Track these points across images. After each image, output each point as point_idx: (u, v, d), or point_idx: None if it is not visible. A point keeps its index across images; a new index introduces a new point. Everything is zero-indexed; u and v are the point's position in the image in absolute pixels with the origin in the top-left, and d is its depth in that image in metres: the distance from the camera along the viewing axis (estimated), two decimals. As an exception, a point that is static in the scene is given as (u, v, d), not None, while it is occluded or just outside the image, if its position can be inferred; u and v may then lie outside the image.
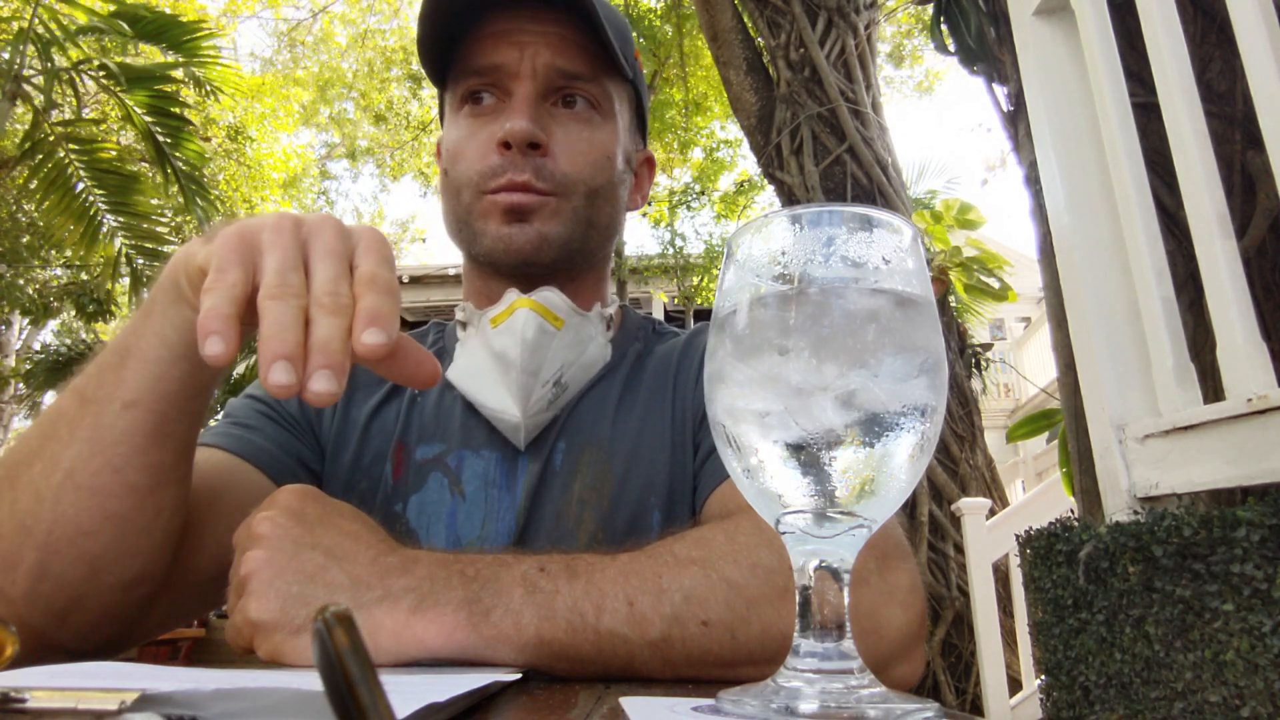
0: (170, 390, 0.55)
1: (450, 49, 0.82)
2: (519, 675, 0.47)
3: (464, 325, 0.84)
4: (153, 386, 0.54)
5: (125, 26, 5.01)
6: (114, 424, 0.54)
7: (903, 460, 0.35)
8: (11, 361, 11.47)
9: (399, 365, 0.49)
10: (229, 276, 0.45)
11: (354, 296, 0.46)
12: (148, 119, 5.35)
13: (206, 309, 0.44)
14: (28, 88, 5.06)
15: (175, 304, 0.53)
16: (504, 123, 0.78)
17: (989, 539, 3.16)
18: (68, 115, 5.62)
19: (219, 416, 0.80)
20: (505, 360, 0.75)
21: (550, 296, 0.78)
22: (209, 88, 5.71)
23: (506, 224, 0.79)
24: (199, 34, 5.44)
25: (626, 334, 0.90)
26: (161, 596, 0.62)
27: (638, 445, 0.78)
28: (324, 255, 0.47)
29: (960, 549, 3.32)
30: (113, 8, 5.07)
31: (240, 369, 8.25)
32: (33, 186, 5.35)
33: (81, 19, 5.06)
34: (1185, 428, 1.05)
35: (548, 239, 0.79)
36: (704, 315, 10.36)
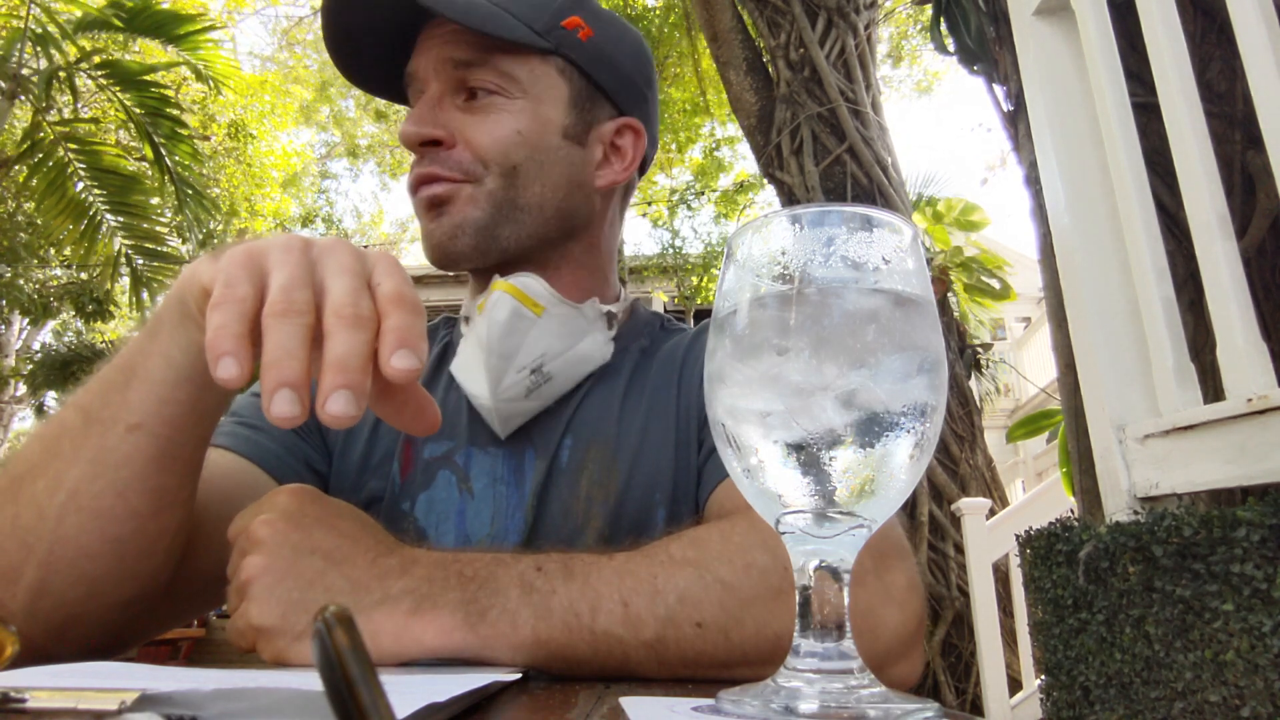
0: (176, 414, 0.53)
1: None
2: (519, 675, 0.47)
3: (466, 320, 0.84)
4: (158, 410, 0.53)
5: (120, 21, 4.99)
6: (118, 446, 0.53)
7: (903, 460, 0.35)
8: (11, 361, 11.47)
9: (399, 408, 0.47)
10: (238, 290, 0.43)
11: (378, 314, 0.43)
12: (144, 119, 5.35)
13: (216, 326, 0.41)
14: (25, 84, 5.06)
15: (181, 324, 0.52)
16: None
17: (989, 539, 3.16)
18: (66, 114, 5.62)
19: (225, 414, 0.79)
20: (480, 344, 0.75)
21: (528, 281, 0.77)
22: (210, 81, 5.68)
23: (430, 220, 0.80)
24: (196, 26, 5.42)
25: (633, 330, 0.89)
26: (162, 602, 0.62)
27: (643, 442, 0.78)
28: (339, 271, 0.45)
29: (960, 549, 3.32)
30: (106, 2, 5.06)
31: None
32: (32, 185, 5.35)
33: (76, 12, 5.05)
34: (1185, 428, 1.05)
35: (461, 225, 0.79)
36: (704, 315, 10.36)
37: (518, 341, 0.75)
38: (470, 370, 0.77)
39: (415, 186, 0.81)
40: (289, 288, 0.43)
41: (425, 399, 0.48)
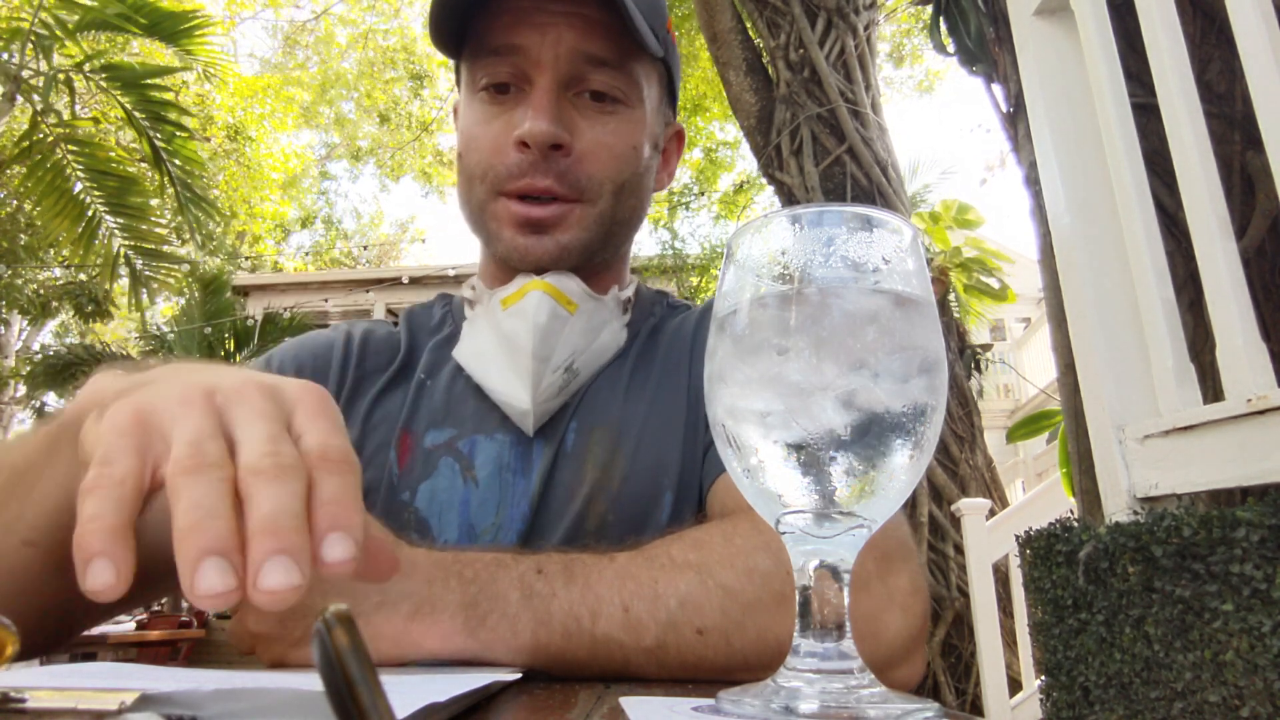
0: (70, 536, 0.48)
1: (466, 22, 0.76)
2: (519, 675, 0.47)
3: (471, 304, 0.81)
4: (50, 532, 0.48)
5: (120, 20, 4.99)
6: (12, 556, 0.49)
7: (903, 460, 0.35)
8: (11, 362, 11.47)
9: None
10: (116, 469, 0.33)
11: (304, 466, 0.34)
12: (144, 121, 5.35)
13: (86, 518, 0.31)
14: (25, 88, 5.07)
15: (77, 452, 0.43)
16: (522, 119, 0.72)
17: (989, 539, 3.15)
18: (64, 115, 5.62)
19: None
20: (515, 344, 0.73)
21: (566, 282, 0.75)
22: (208, 76, 5.66)
23: (523, 235, 0.75)
24: (194, 23, 5.40)
25: (640, 312, 0.86)
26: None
27: (648, 424, 0.76)
28: (251, 419, 0.35)
29: (960, 549, 3.32)
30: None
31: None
32: (30, 186, 5.34)
33: (75, 14, 5.04)
34: (1185, 428, 1.05)
35: (569, 249, 0.76)
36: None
37: (554, 343, 0.74)
38: (495, 366, 0.75)
39: (518, 191, 0.74)
40: (196, 441, 0.34)
41: (383, 552, 0.38)
